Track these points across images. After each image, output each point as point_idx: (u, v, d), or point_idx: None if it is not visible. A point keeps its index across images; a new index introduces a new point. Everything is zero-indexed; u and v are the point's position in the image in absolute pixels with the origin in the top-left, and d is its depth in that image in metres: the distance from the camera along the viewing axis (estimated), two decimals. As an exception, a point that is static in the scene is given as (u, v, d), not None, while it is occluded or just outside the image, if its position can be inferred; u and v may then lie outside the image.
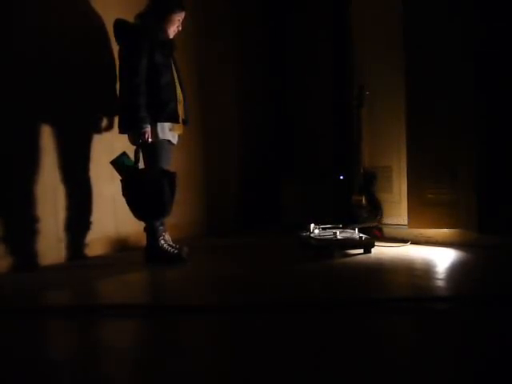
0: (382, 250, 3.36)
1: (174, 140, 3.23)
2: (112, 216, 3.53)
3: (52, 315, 2.19)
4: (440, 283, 2.56)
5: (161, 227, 3.14)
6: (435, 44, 3.44)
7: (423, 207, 3.54)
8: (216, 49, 4.38)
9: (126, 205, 3.08)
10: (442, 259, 3.09)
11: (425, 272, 2.79)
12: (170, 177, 3.09)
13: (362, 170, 3.82)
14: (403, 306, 2.19)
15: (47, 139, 3.15)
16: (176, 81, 3.19)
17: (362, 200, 3.77)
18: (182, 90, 3.22)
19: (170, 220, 3.33)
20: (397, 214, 3.80)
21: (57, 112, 3.22)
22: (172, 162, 3.20)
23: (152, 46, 3.06)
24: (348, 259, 3.17)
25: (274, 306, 2.22)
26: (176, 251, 3.14)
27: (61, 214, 3.22)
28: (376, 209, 3.78)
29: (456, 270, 2.83)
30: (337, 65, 4.25)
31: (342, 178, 4.08)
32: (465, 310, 2.14)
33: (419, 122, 3.53)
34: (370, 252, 3.28)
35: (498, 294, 2.28)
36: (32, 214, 3.06)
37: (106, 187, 3.46)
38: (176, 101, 3.13)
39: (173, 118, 3.13)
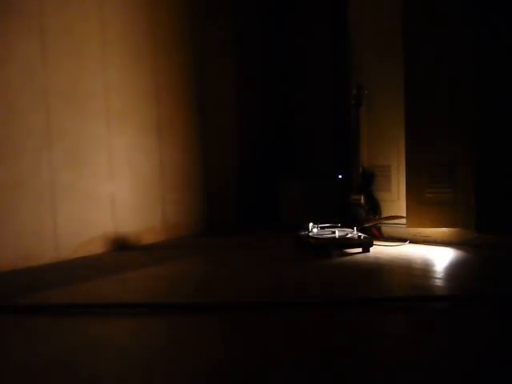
0: (381, 250, 3.36)
1: None
2: (110, 215, 3.52)
3: (50, 314, 2.19)
4: (439, 282, 2.56)
5: None
6: (435, 44, 3.43)
7: (422, 206, 3.54)
8: (216, 48, 4.37)
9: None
10: (440, 258, 3.10)
11: (424, 271, 2.79)
12: None
13: (360, 170, 3.83)
14: (402, 306, 2.20)
15: (45, 138, 3.16)
16: None
17: (360, 199, 3.77)
18: None
19: (170, 220, 3.33)
20: (395, 213, 3.80)
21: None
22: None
23: None
24: (347, 258, 3.18)
25: (273, 305, 2.22)
26: None
27: (59, 213, 3.22)
28: (374, 208, 3.79)
29: (455, 270, 2.84)
30: (336, 64, 4.25)
31: (340, 177, 4.08)
32: (464, 309, 2.15)
33: (418, 121, 3.53)
34: (368, 251, 3.29)
35: (498, 294, 2.28)
36: (30, 211, 3.06)
37: (105, 186, 3.46)
38: None
39: None
